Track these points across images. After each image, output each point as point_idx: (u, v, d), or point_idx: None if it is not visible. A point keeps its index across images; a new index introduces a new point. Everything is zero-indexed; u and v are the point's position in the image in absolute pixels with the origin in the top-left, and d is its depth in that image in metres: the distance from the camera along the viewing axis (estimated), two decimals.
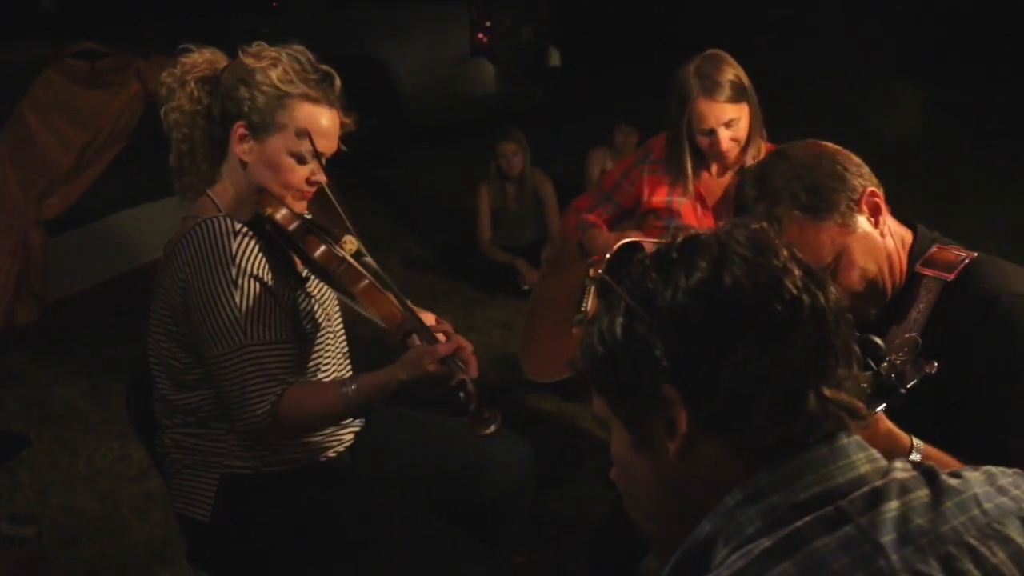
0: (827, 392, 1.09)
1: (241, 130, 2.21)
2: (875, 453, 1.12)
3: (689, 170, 3.12)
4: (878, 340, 1.61)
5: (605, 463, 1.22)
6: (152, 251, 4.95)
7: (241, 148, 2.22)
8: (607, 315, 1.15)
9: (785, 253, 1.13)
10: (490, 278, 5.64)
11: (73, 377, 4.63)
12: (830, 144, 1.92)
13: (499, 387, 4.44)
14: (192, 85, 2.24)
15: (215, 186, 2.29)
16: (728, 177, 3.16)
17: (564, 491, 3.57)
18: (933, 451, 1.73)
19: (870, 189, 1.86)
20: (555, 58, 8.50)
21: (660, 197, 3.20)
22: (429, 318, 2.41)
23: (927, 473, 1.12)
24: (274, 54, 2.21)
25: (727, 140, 3.04)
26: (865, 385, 1.58)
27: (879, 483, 1.08)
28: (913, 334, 1.69)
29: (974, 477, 1.14)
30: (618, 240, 3.17)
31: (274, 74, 2.18)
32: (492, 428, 2.13)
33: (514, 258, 5.64)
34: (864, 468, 1.09)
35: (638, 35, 10.41)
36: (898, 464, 1.12)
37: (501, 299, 5.49)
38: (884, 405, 1.63)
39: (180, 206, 2.36)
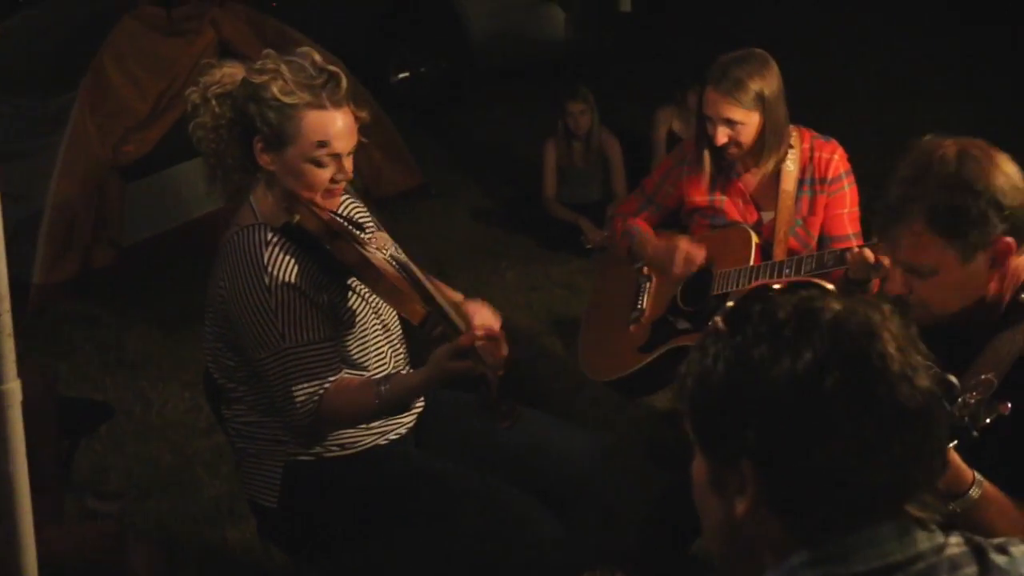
0: (905, 507, 1.15)
1: (259, 144, 2.30)
2: (932, 526, 1.17)
3: (706, 153, 3.18)
4: (953, 379, 1.63)
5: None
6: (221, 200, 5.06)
7: (264, 160, 2.32)
8: (713, 349, 1.19)
9: (892, 350, 1.14)
10: (553, 235, 5.66)
11: (146, 323, 4.77)
12: (1007, 167, 1.88)
13: (557, 352, 4.49)
14: (213, 102, 2.32)
15: (255, 191, 2.38)
16: (767, 169, 3.16)
17: (614, 472, 3.60)
18: (991, 489, 1.75)
19: (1006, 239, 1.85)
20: (626, 4, 8.37)
21: (702, 196, 3.24)
22: (456, 296, 2.52)
23: (976, 550, 1.18)
24: (273, 66, 2.27)
25: (723, 135, 3.07)
26: None
27: (933, 560, 1.14)
28: (989, 375, 1.69)
29: (1021, 553, 1.19)
30: (666, 246, 3.22)
31: (275, 88, 2.24)
32: (508, 423, 2.22)
33: (578, 216, 5.65)
34: (923, 545, 1.15)
35: None
36: (952, 539, 1.18)
37: (563, 257, 5.49)
38: (955, 443, 1.66)
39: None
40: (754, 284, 3.02)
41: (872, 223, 2.01)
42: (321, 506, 2.41)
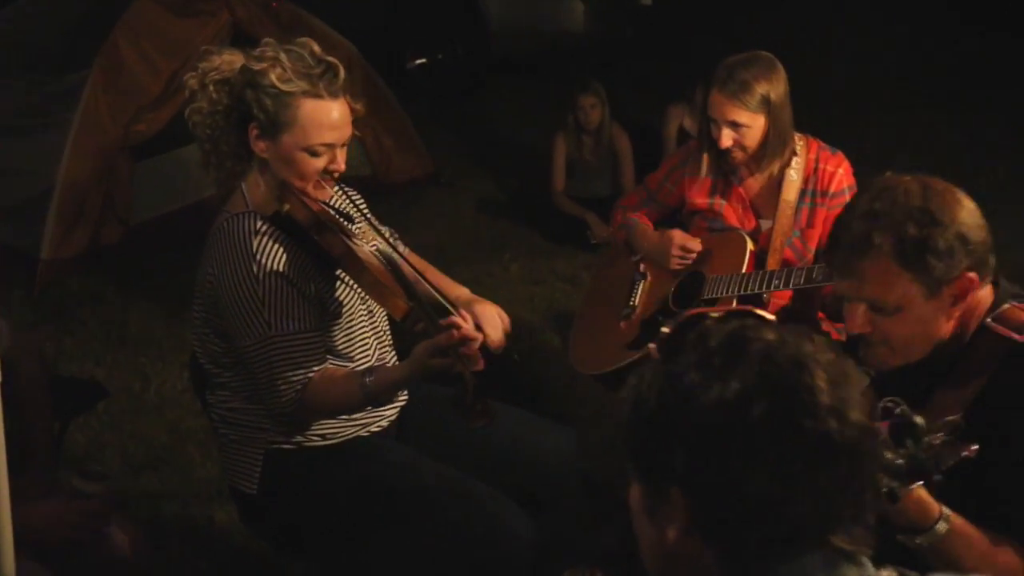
0: (830, 538, 1.15)
1: (255, 131, 2.32)
2: (863, 558, 1.18)
3: (706, 157, 3.20)
4: (919, 420, 1.60)
5: None
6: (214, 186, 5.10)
7: (258, 147, 2.34)
8: (648, 375, 1.21)
9: (822, 383, 1.14)
10: (559, 229, 5.67)
11: (149, 302, 4.82)
12: (968, 203, 1.86)
13: (555, 347, 4.50)
14: (211, 88, 2.34)
15: (248, 179, 2.41)
16: (766, 176, 3.17)
17: (599, 469, 3.61)
18: (959, 523, 1.75)
19: (969, 275, 1.84)
20: None
21: (702, 199, 3.25)
22: (463, 292, 2.54)
23: None
24: (272, 54, 2.30)
25: (728, 138, 3.07)
26: (901, 462, 1.60)
27: None
28: (955, 417, 1.65)
29: None
30: (660, 238, 3.26)
31: (274, 75, 2.27)
32: (482, 423, 2.23)
33: (585, 211, 5.65)
34: (851, 574, 1.16)
35: None
36: (884, 572, 1.19)
37: (568, 251, 5.51)
38: (920, 483, 1.64)
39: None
40: (743, 292, 3.05)
41: (832, 260, 1.93)
42: (300, 495, 2.44)
